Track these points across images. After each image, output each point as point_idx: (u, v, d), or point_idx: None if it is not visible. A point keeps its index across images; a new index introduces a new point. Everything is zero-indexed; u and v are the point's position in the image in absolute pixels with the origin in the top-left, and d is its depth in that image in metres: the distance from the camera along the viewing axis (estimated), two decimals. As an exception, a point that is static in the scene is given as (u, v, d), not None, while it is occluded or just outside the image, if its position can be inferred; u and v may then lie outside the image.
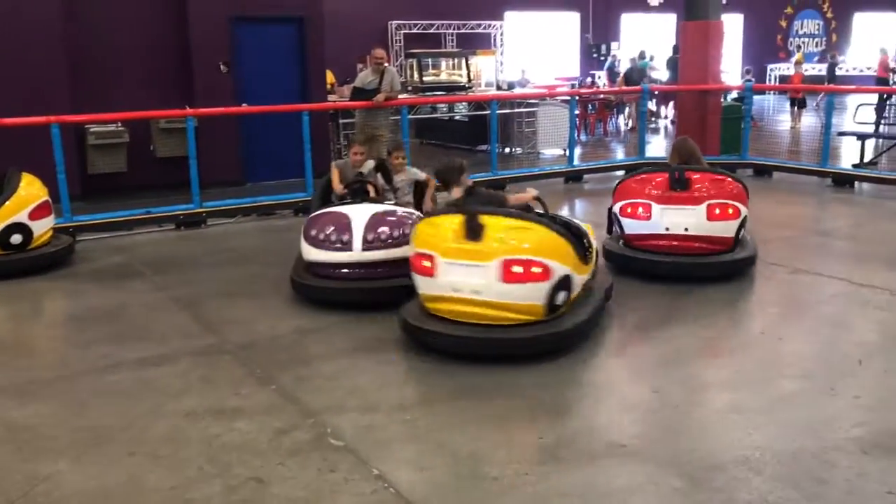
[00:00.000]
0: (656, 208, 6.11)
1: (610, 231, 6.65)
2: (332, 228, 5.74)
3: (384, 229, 5.70)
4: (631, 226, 6.28)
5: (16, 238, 6.67)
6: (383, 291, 5.56)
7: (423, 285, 4.84)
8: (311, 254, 5.78)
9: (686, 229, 6.03)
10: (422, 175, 6.73)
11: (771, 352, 4.87)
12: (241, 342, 5.15)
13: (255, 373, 4.64)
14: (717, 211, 6.04)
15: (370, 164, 6.81)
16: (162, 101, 9.60)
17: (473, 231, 4.60)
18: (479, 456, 3.63)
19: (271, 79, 11.03)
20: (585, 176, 11.36)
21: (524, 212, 4.98)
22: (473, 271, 4.57)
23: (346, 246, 5.65)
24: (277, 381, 4.49)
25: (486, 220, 4.63)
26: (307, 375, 4.57)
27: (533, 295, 4.59)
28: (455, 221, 4.70)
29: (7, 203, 6.64)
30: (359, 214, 5.83)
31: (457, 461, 3.60)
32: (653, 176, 6.36)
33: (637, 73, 17.82)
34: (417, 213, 6.08)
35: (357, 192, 6.41)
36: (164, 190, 9.49)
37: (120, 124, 10.06)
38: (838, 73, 23.18)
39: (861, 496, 3.24)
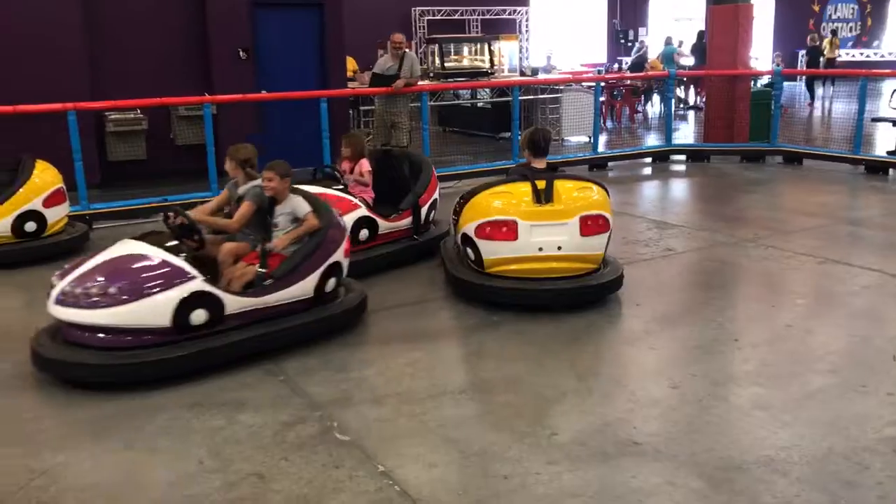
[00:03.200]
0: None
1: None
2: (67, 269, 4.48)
3: (101, 280, 4.22)
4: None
5: (30, 226, 6.61)
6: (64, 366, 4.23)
7: (499, 250, 5.21)
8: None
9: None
10: (304, 208, 4.88)
11: (798, 345, 4.67)
12: (251, 332, 5.03)
13: (262, 363, 4.52)
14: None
15: (250, 185, 5.01)
16: (181, 89, 9.51)
17: (547, 194, 5.19)
18: (489, 453, 3.48)
19: (291, 65, 10.91)
20: (610, 163, 11.14)
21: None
22: (558, 229, 5.17)
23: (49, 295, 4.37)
24: (285, 372, 4.38)
25: (556, 183, 5.27)
26: (315, 366, 4.44)
27: (599, 244, 5.32)
28: (525, 188, 5.25)
29: (21, 190, 6.59)
30: (106, 254, 4.49)
31: (465, 458, 3.46)
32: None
33: (640, 63, 17.65)
34: (200, 274, 4.35)
35: (178, 234, 4.61)
36: (183, 177, 9.42)
37: (139, 111, 10.01)
38: (873, 58, 22.58)
39: (894, 501, 3.04)
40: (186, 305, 4.26)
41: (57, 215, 6.84)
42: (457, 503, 3.13)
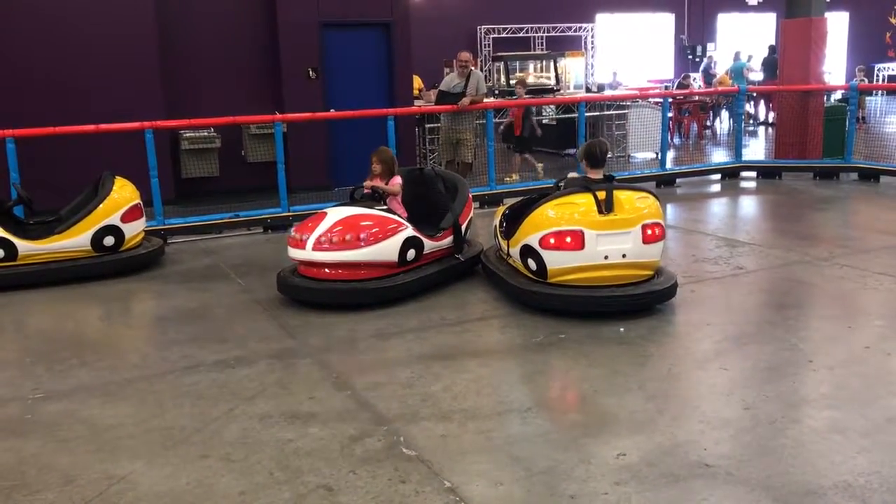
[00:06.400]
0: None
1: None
2: None
3: None
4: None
5: (108, 240, 6.85)
6: None
7: (565, 260, 5.30)
8: None
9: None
10: None
11: (877, 368, 4.51)
12: (319, 346, 5.12)
13: (330, 377, 4.59)
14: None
15: None
16: (253, 108, 9.76)
17: (609, 205, 5.29)
18: (556, 472, 3.45)
19: (359, 84, 11.10)
20: (678, 180, 10.99)
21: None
22: (622, 238, 5.30)
23: None
24: (353, 387, 4.43)
25: (616, 193, 5.36)
26: (382, 381, 4.48)
27: (657, 252, 5.50)
28: (587, 199, 5.33)
29: (100, 206, 6.83)
30: None
31: (532, 476, 3.44)
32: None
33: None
34: None
35: None
36: (254, 194, 9.65)
37: (212, 130, 10.30)
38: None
39: (981, 532, 2.92)
40: None
41: (134, 230, 7.07)
42: (523, 521, 3.11)
